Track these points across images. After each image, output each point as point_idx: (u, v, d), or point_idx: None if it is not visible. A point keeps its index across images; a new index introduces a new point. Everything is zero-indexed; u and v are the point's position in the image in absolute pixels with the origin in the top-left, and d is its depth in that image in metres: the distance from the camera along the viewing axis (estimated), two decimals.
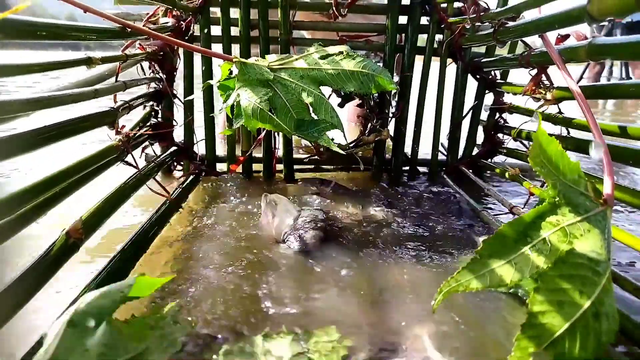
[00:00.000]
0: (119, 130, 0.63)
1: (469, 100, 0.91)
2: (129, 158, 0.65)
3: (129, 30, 0.55)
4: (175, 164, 0.86)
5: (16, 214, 0.36)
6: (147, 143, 0.78)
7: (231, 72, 0.64)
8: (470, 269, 0.36)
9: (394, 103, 0.88)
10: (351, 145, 0.81)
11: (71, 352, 0.27)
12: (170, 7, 0.74)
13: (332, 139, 0.60)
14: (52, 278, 0.41)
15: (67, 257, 0.43)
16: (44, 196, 0.41)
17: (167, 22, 0.75)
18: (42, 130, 0.39)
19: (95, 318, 0.28)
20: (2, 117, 0.37)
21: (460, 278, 0.35)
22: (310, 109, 0.61)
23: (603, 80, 3.40)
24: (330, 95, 0.80)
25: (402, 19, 0.85)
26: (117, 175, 0.61)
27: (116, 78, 0.61)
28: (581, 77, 3.06)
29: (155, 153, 0.79)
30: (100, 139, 0.60)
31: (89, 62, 0.49)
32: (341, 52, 0.67)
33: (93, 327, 0.28)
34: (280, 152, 0.87)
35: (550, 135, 0.41)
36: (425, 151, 0.93)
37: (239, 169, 0.85)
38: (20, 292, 0.36)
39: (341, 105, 0.80)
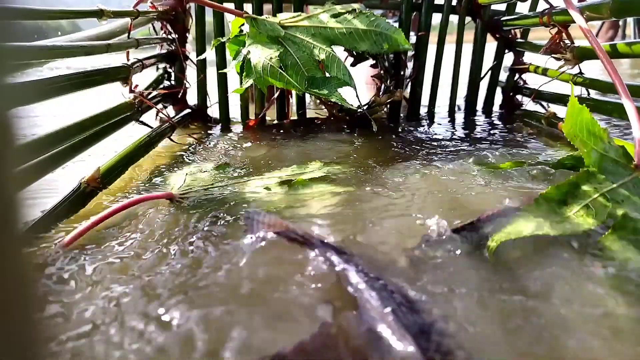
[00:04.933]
0: (132, 89, 0.63)
1: (488, 61, 0.89)
2: (143, 117, 0.66)
3: None
4: (190, 125, 0.87)
5: (33, 162, 0.38)
6: (160, 106, 0.78)
7: (242, 30, 0.63)
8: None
9: (410, 65, 0.86)
10: (364, 106, 0.80)
11: None
12: None
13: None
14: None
15: (84, 203, 0.45)
16: (60, 147, 0.43)
17: None
18: (55, 79, 0.40)
19: None
20: (18, 64, 0.38)
21: (510, 230, 0.35)
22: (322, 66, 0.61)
23: None
24: (346, 58, 0.78)
25: None
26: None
27: (128, 35, 0.61)
28: None
29: (169, 117, 0.80)
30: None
31: (100, 14, 0.49)
32: (354, 10, 0.65)
33: None
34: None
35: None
36: (442, 115, 0.91)
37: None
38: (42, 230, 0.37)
39: (353, 64, 0.79)
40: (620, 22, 2.56)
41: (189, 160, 0.62)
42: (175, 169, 0.57)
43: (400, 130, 0.79)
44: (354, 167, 0.56)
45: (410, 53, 0.84)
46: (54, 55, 0.40)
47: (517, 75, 0.88)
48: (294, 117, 0.86)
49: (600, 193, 0.37)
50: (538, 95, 0.81)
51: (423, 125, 0.84)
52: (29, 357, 0.12)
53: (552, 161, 0.54)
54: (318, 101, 0.92)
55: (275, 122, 0.84)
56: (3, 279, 0.12)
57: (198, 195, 0.47)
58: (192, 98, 0.86)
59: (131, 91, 0.62)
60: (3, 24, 0.12)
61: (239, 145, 0.70)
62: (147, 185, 0.52)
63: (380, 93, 0.83)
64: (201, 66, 0.81)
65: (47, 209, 0.41)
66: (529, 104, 0.85)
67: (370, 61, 0.83)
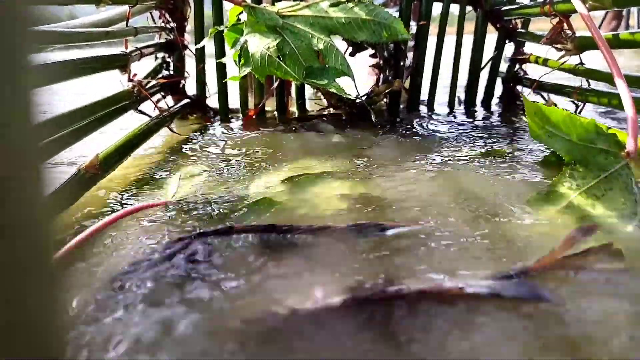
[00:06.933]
0: (131, 78, 0.63)
1: (488, 51, 0.88)
2: (142, 106, 0.66)
3: None
4: (188, 116, 0.87)
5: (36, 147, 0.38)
6: (158, 96, 0.78)
7: (240, 19, 0.63)
8: None
9: (410, 55, 0.86)
10: (363, 97, 0.80)
11: None
12: None
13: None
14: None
15: (84, 189, 0.45)
16: (58, 134, 0.43)
17: None
18: (53, 66, 0.40)
19: None
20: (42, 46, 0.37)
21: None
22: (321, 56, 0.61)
23: None
24: (346, 49, 0.78)
25: None
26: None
27: (127, 23, 0.61)
28: None
29: (168, 107, 0.80)
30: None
31: (98, 1, 0.49)
32: None
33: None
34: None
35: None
36: (442, 105, 0.91)
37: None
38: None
39: (352, 54, 0.79)
40: (624, 13, 2.54)
41: (186, 157, 0.61)
42: (170, 168, 0.56)
43: (399, 120, 0.79)
44: (354, 161, 0.56)
45: (410, 43, 0.84)
46: (54, 40, 0.40)
47: (517, 66, 0.87)
48: (293, 107, 0.86)
49: (580, 192, 0.37)
50: (539, 86, 0.80)
51: (423, 116, 0.84)
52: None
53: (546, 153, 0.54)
54: (317, 92, 0.92)
55: (276, 113, 0.84)
56: (30, 245, 0.12)
57: (195, 200, 0.44)
58: (191, 88, 0.85)
59: (129, 80, 0.61)
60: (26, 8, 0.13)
61: (238, 139, 0.69)
62: (139, 188, 0.49)
63: (380, 83, 0.83)
64: (200, 56, 0.80)
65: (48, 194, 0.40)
66: (529, 95, 0.85)
67: (371, 51, 0.82)
